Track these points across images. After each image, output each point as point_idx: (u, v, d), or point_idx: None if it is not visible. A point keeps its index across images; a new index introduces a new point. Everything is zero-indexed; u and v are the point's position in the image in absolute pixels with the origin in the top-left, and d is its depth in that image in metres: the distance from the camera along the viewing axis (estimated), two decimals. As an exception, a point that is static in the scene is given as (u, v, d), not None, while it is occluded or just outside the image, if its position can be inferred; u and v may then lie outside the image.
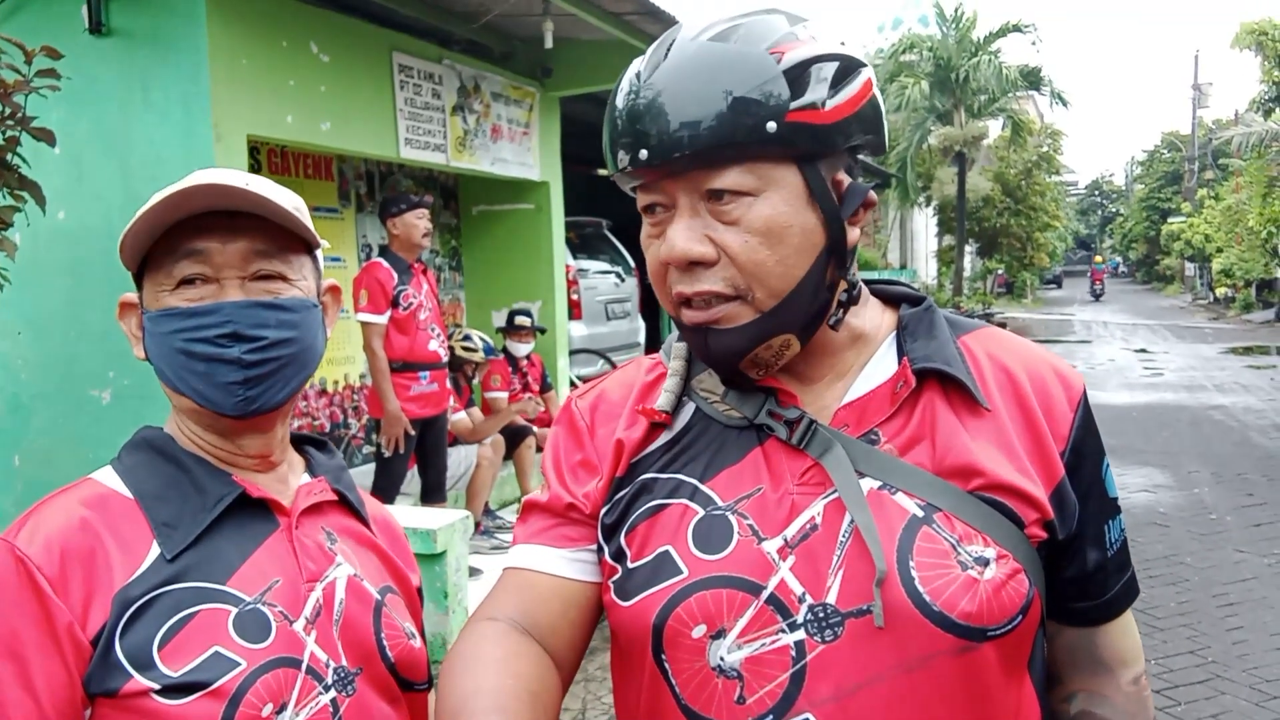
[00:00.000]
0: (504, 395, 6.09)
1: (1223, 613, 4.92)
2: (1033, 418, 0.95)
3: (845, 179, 0.92)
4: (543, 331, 6.53)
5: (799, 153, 0.88)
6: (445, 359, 5.03)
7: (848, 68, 0.90)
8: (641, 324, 9.58)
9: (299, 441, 1.19)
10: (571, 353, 7.81)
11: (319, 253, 1.13)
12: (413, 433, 4.74)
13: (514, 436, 5.90)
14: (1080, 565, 0.98)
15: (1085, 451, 0.97)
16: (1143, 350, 17.85)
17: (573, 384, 7.75)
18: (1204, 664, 4.30)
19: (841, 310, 0.96)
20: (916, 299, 1.04)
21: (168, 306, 1.03)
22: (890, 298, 1.06)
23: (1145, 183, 51.09)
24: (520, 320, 6.22)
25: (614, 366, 8.72)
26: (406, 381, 4.79)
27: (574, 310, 8.07)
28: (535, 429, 6.12)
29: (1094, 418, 1.00)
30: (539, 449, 6.21)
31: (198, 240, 1.02)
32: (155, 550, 0.99)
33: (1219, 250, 27.12)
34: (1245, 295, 27.30)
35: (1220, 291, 29.55)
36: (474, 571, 4.86)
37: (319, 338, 1.09)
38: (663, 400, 1.01)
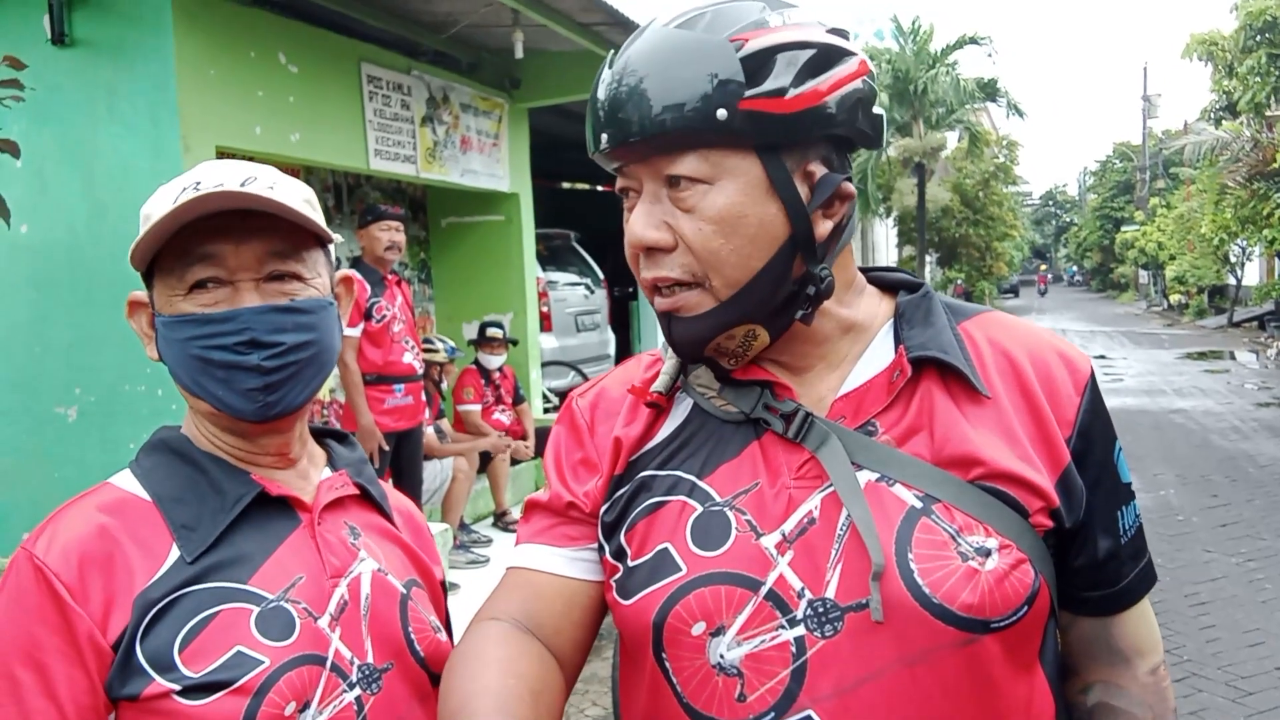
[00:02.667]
0: (476, 408, 6.04)
1: (1195, 612, 4.99)
2: (1036, 403, 0.93)
3: (819, 169, 0.90)
4: (514, 343, 6.49)
5: (759, 142, 0.87)
6: (420, 371, 4.98)
7: (828, 56, 0.89)
8: (611, 336, 9.57)
9: (319, 435, 1.18)
10: (542, 365, 7.77)
11: (331, 246, 1.12)
12: (386, 447, 4.68)
13: (487, 450, 5.86)
14: (1091, 553, 0.96)
15: (1093, 436, 0.95)
16: (1102, 356, 18.11)
17: (545, 396, 7.71)
18: (1180, 662, 4.35)
19: (809, 305, 0.93)
20: (914, 286, 1.03)
21: (182, 313, 1.00)
22: (887, 285, 1.04)
23: (1098, 192, 51.92)
24: (492, 332, 6.18)
25: (585, 378, 8.70)
26: (381, 394, 4.74)
27: (544, 322, 8.03)
28: (510, 441, 6.08)
29: (1103, 401, 0.97)
30: (514, 462, 6.18)
31: (210, 243, 0.99)
32: (175, 553, 0.98)
33: (1172, 258, 27.58)
34: (1198, 301, 27.83)
35: (1174, 298, 30.07)
36: (453, 586, 4.81)
37: (335, 335, 1.08)
38: (659, 383, 1.00)
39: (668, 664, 0.92)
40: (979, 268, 29.66)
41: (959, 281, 30.43)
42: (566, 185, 11.67)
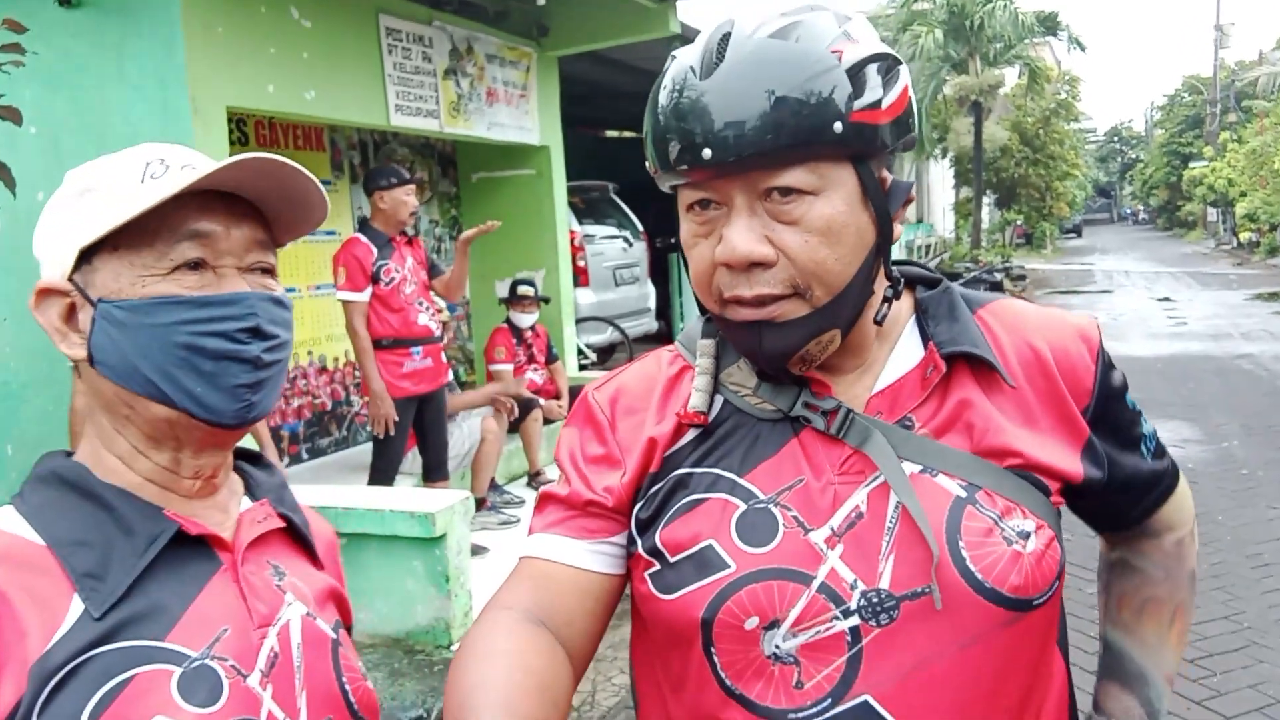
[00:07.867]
0: (509, 367, 5.94)
1: (1258, 574, 4.74)
2: (1055, 386, 0.98)
3: (889, 175, 0.94)
4: (546, 301, 6.36)
5: (855, 152, 0.89)
6: (437, 333, 4.86)
7: (893, 65, 0.92)
8: (651, 289, 9.42)
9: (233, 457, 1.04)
10: (579, 320, 7.65)
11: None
12: (396, 417, 4.57)
13: (521, 409, 5.76)
14: (1130, 477, 1.04)
15: (1109, 390, 1.01)
16: (1166, 299, 17.53)
17: (580, 352, 7.60)
18: (1240, 630, 4.13)
19: (886, 305, 0.97)
20: (932, 281, 1.05)
21: (165, 294, 0.86)
22: (905, 280, 1.05)
23: (1165, 128, 50.25)
24: (523, 290, 6.05)
25: (623, 333, 8.56)
26: (398, 358, 4.64)
27: (581, 277, 7.90)
28: (541, 401, 5.97)
29: (1109, 355, 1.03)
30: (547, 421, 6.08)
31: (205, 220, 0.88)
32: (78, 607, 0.83)
33: (1242, 194, 26.56)
34: (1270, 239, 26.83)
35: (1244, 236, 29.08)
36: (481, 549, 4.74)
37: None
38: (697, 400, 1.00)
39: (716, 657, 0.93)
40: (1039, 208, 28.93)
41: (1018, 223, 29.69)
42: (610, 133, 11.44)
